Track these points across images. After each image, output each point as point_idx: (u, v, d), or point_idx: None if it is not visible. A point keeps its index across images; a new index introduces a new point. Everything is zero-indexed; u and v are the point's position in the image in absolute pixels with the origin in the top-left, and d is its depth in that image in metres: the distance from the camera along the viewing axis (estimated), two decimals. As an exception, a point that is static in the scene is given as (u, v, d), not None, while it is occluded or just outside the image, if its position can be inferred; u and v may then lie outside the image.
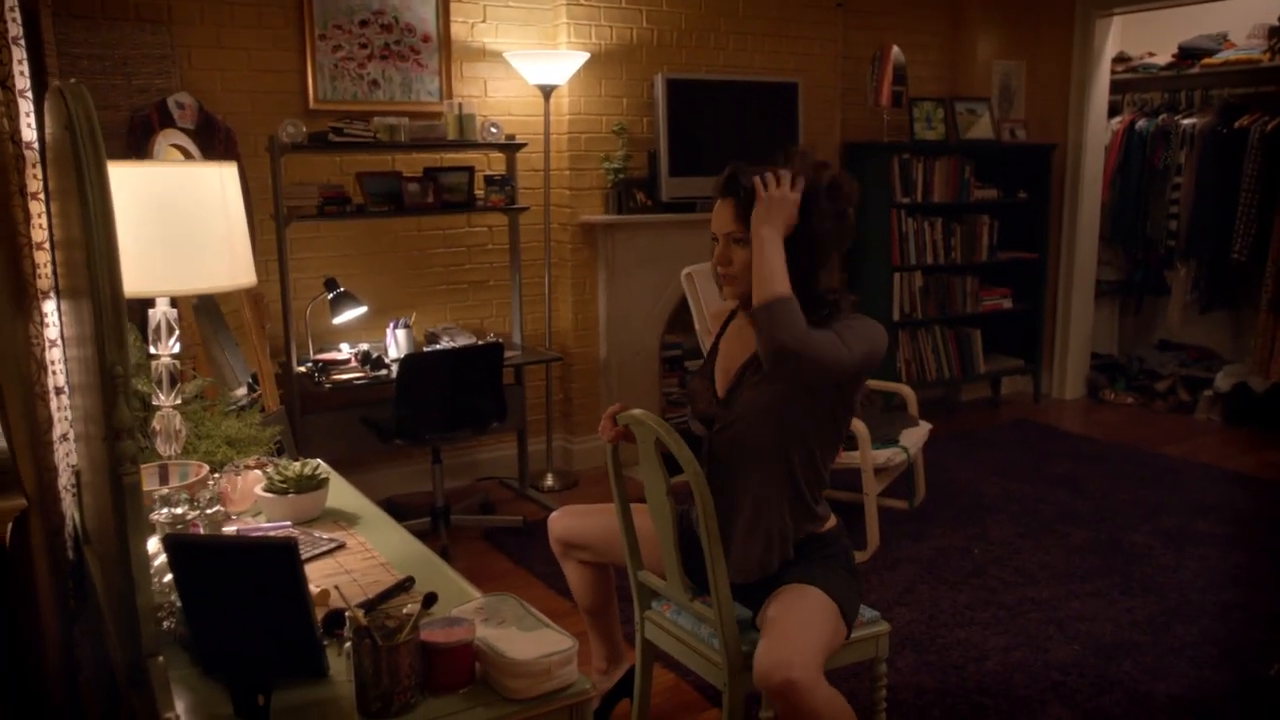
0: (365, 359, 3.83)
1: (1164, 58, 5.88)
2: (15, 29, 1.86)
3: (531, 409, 4.62)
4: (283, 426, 2.60)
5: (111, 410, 1.25)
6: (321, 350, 4.08)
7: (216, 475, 1.91)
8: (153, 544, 1.53)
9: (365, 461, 4.32)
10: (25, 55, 1.92)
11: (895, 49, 5.31)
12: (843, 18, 5.27)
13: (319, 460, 2.27)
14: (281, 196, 3.75)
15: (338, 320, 3.94)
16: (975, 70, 5.82)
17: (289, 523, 1.83)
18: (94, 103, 3.19)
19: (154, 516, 1.48)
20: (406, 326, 4.00)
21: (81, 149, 1.27)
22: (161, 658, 1.23)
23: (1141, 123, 5.85)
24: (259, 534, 1.78)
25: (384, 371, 3.79)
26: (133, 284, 1.82)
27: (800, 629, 1.85)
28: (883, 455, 3.68)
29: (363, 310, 3.95)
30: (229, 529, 1.81)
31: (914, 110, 5.47)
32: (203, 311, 3.89)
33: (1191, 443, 5.17)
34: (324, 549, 1.73)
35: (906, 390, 4.16)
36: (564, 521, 2.38)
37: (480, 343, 4.04)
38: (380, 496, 4.34)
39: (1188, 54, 5.73)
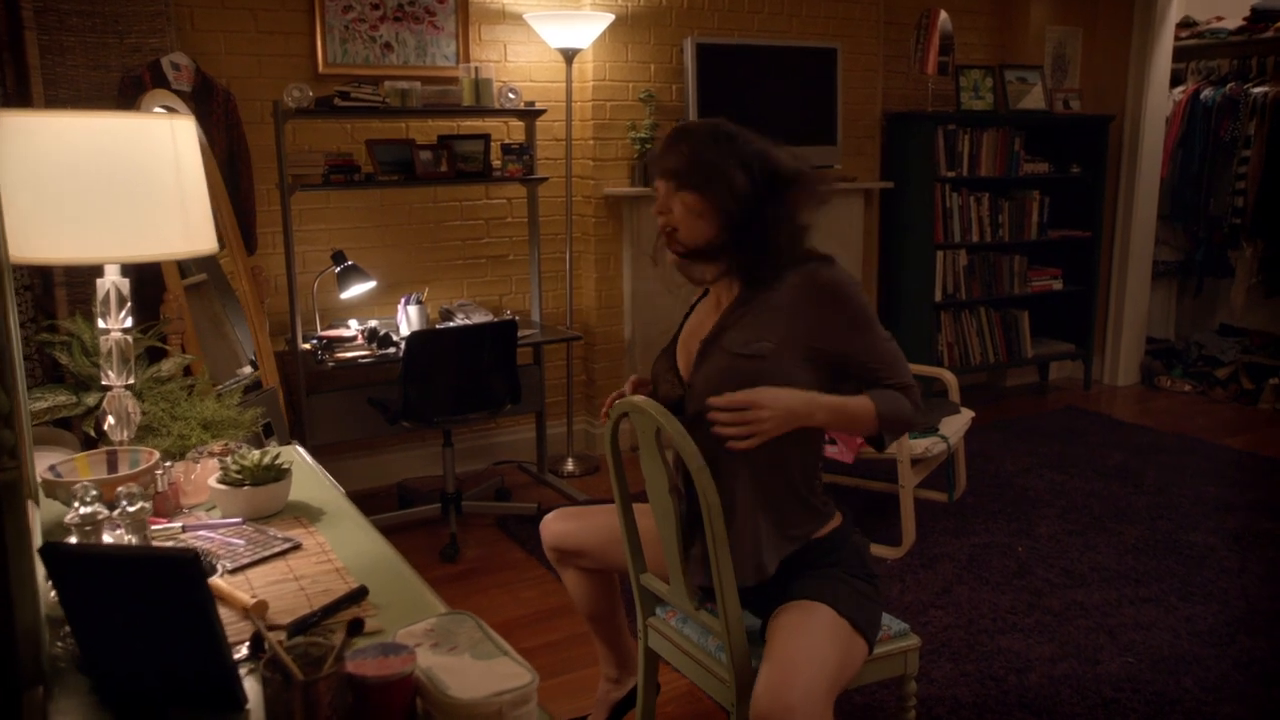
0: (372, 336, 3.64)
1: (1234, 21, 5.50)
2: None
3: (551, 390, 4.41)
4: (263, 409, 2.42)
5: (-17, 394, 1.05)
6: (330, 326, 3.90)
7: (169, 464, 1.72)
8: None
9: (376, 444, 4.15)
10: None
11: (943, 14, 5.00)
12: (886, -21, 4.97)
13: (290, 449, 2.08)
14: (286, 164, 3.56)
15: (345, 295, 3.75)
16: (1027, 36, 5.48)
17: (241, 519, 1.63)
18: (84, 62, 3.02)
19: (68, 519, 1.29)
20: (419, 302, 3.80)
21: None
22: (42, 688, 1.04)
23: (1207, 92, 5.47)
24: (208, 537, 1.59)
25: (391, 350, 3.60)
26: (67, 250, 1.63)
27: (804, 658, 1.62)
28: (920, 445, 3.42)
29: (371, 285, 3.76)
30: (174, 524, 1.62)
31: (961, 79, 5.16)
32: (211, 285, 3.74)
33: (1255, 434, 4.84)
34: (275, 550, 1.53)
35: (948, 375, 3.89)
36: (557, 526, 2.14)
37: (494, 320, 3.84)
38: (392, 480, 4.18)
39: (1261, 16, 5.34)
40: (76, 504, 1.27)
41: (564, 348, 4.40)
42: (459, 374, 3.46)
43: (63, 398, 2.34)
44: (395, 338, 3.67)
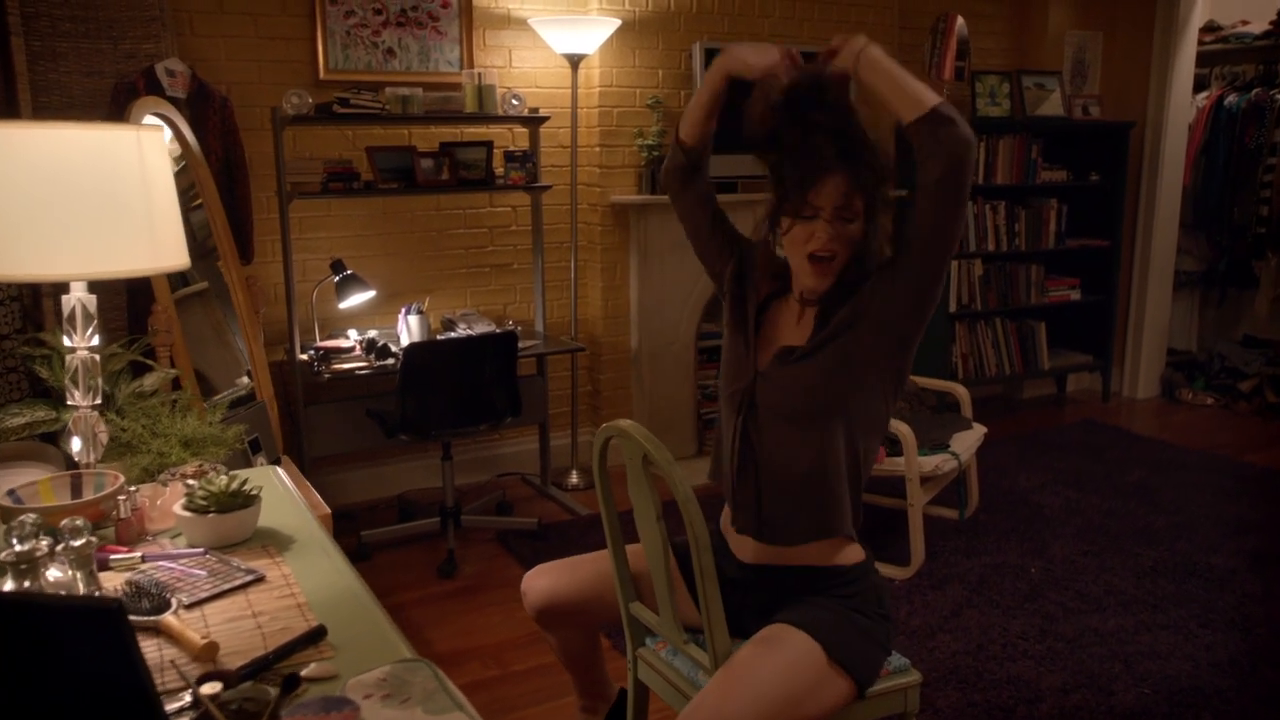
0: (370, 347, 3.58)
1: (1260, 25, 5.36)
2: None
3: (555, 401, 4.34)
4: (246, 426, 2.35)
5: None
6: (330, 336, 3.84)
7: (133, 489, 1.65)
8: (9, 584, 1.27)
9: (376, 455, 4.08)
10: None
11: (959, 20, 4.89)
12: (901, -17, 4.87)
13: (266, 471, 2.01)
14: (284, 172, 3.50)
15: (344, 305, 3.69)
16: (1045, 41, 5.37)
17: (204, 549, 1.56)
18: (77, 68, 2.96)
19: (2, 556, 1.22)
20: (420, 312, 3.73)
21: None
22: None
23: (1231, 98, 5.34)
24: (168, 568, 1.52)
25: (390, 361, 3.53)
26: (30, 266, 1.57)
27: (759, 676, 1.53)
28: (930, 462, 3.32)
29: (370, 295, 3.70)
30: (134, 554, 1.55)
31: (977, 85, 5.05)
32: (213, 293, 3.68)
33: (1279, 450, 4.71)
34: (237, 583, 1.46)
35: (960, 390, 3.79)
36: (543, 584, 1.96)
37: (497, 331, 3.76)
38: (392, 492, 4.11)
39: (1286, 22, 5.21)
40: (14, 540, 1.20)
41: (568, 358, 4.33)
42: (458, 386, 3.39)
43: (41, 413, 2.29)
44: (394, 348, 3.61)
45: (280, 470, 2.05)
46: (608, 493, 1.86)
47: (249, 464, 2.51)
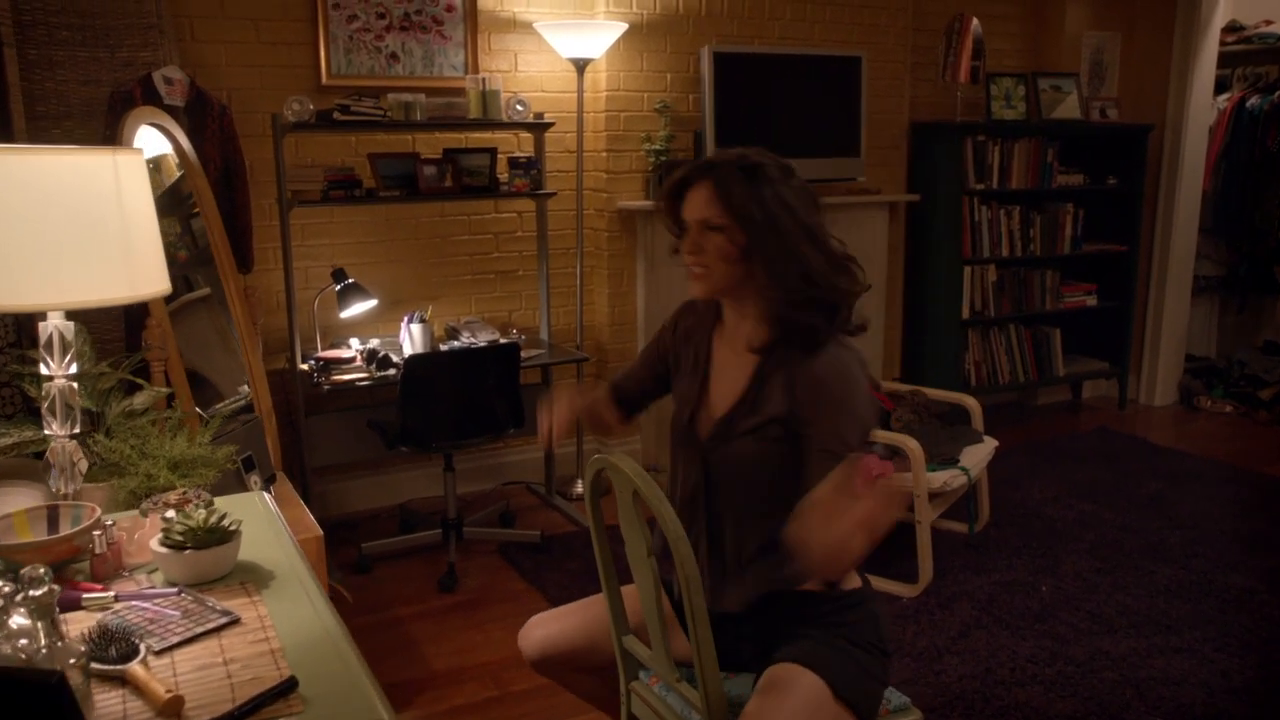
0: (371, 358, 3.53)
1: (1282, 26, 5.26)
2: None
3: (561, 409, 4.28)
4: (237, 446, 2.31)
5: None
6: (332, 345, 3.80)
7: (110, 522, 1.61)
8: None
9: (378, 464, 4.05)
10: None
11: (974, 21, 4.80)
12: (915, -17, 4.79)
13: (251, 508, 1.96)
14: (285, 179, 3.46)
15: (345, 314, 3.65)
16: (1062, 42, 5.27)
17: (177, 589, 1.52)
18: (74, 77, 2.93)
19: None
20: (423, 321, 3.69)
21: None
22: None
23: (1254, 100, 5.23)
24: (142, 608, 1.47)
25: (390, 371, 3.49)
26: (3, 297, 1.53)
27: None
28: (939, 479, 3.26)
29: (372, 304, 3.66)
30: (108, 594, 1.51)
31: (991, 87, 4.97)
32: (216, 301, 3.65)
33: (1300, 461, 4.62)
34: (211, 625, 1.41)
35: (970, 402, 3.72)
36: (539, 634, 1.93)
37: (502, 341, 3.72)
38: (395, 501, 4.08)
39: (1310, 22, 5.10)
40: (-30, 592, 1.16)
41: (574, 365, 4.27)
42: (459, 398, 3.35)
43: (29, 432, 2.25)
44: (395, 358, 3.56)
45: (268, 496, 2.00)
46: (600, 524, 1.81)
47: (242, 483, 2.47)
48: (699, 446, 1.76)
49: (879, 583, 3.29)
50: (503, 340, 3.78)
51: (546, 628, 1.94)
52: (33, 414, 2.59)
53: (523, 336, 3.95)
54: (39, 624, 1.23)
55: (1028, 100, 5.06)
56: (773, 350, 1.70)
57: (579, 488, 4.23)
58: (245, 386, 3.46)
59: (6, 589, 1.22)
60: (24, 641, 1.23)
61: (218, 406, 3.30)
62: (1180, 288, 5.40)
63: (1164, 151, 5.26)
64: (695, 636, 1.57)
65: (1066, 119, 5.10)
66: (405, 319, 3.72)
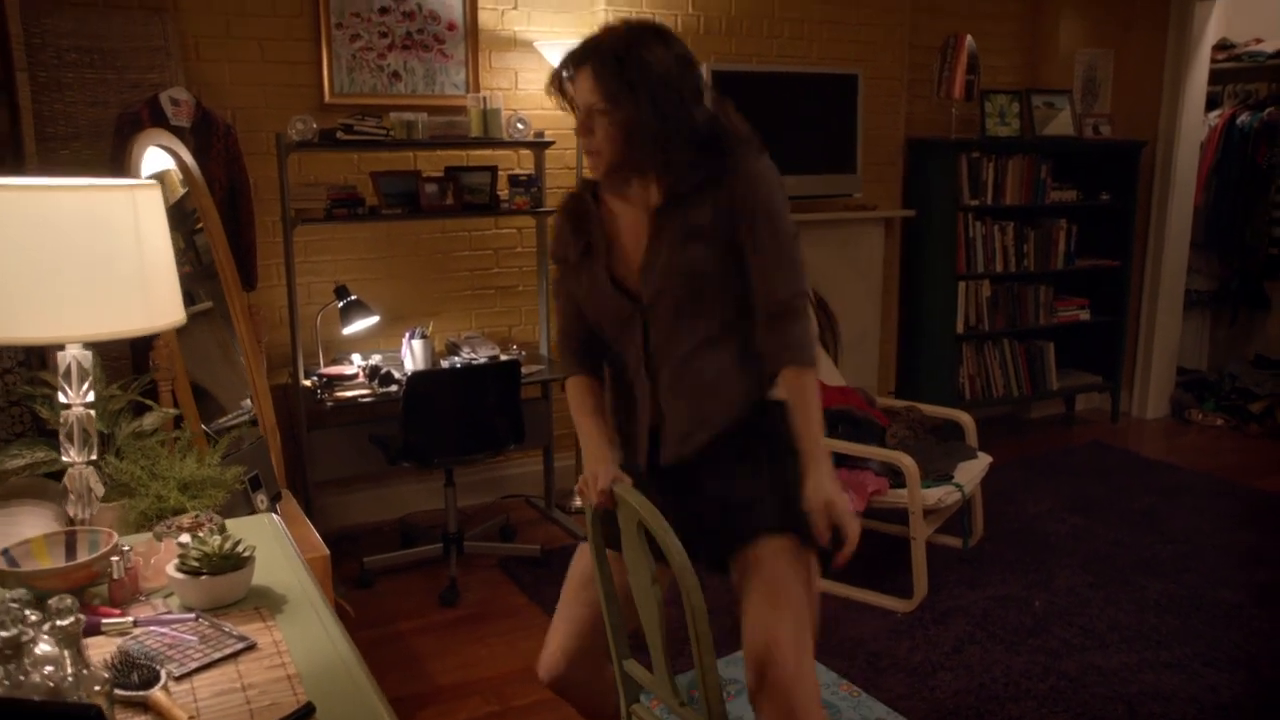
0: (373, 374, 3.58)
1: (1274, 43, 5.32)
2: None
3: (560, 423, 4.33)
4: (245, 467, 2.35)
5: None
6: (334, 360, 3.84)
7: (127, 548, 1.65)
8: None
9: (378, 478, 4.09)
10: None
11: (969, 39, 4.86)
12: (910, 2, 4.84)
13: (263, 531, 2.00)
14: (289, 198, 3.50)
15: (347, 331, 3.69)
16: (1056, 59, 5.33)
17: (194, 614, 1.56)
18: (82, 99, 2.97)
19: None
20: (424, 337, 3.73)
21: None
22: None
23: (1244, 117, 5.30)
24: (161, 634, 1.52)
25: (393, 388, 3.53)
26: (23, 329, 1.57)
27: (792, 622, 1.72)
28: (934, 495, 3.30)
29: (374, 320, 3.70)
30: (126, 619, 1.55)
31: (986, 104, 5.03)
32: (218, 315, 3.69)
33: (1290, 475, 4.68)
34: (228, 650, 1.46)
35: (965, 418, 3.77)
36: (555, 654, 1.97)
37: (503, 358, 3.77)
38: (395, 514, 4.12)
39: (1299, 41, 5.17)
40: (3, 628, 1.20)
41: (573, 380, 4.32)
42: (460, 415, 3.39)
43: (41, 453, 2.28)
44: (398, 375, 3.61)
45: (277, 518, 2.05)
46: (601, 553, 1.85)
47: (249, 502, 2.51)
48: (636, 306, 1.83)
49: (874, 598, 3.34)
50: (503, 357, 3.82)
51: (561, 642, 1.97)
52: (42, 433, 2.63)
53: (523, 352, 3.99)
54: (65, 652, 1.27)
55: (1022, 117, 5.12)
56: (680, 202, 1.79)
57: (578, 501, 4.27)
58: (248, 400, 3.50)
59: (33, 617, 1.26)
60: (50, 669, 1.27)
61: (220, 421, 3.34)
62: (1172, 302, 5.46)
63: (1156, 167, 5.32)
64: (700, 662, 1.61)
65: (1060, 135, 5.16)
66: (406, 335, 3.76)
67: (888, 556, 3.63)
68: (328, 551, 2.53)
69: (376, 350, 3.94)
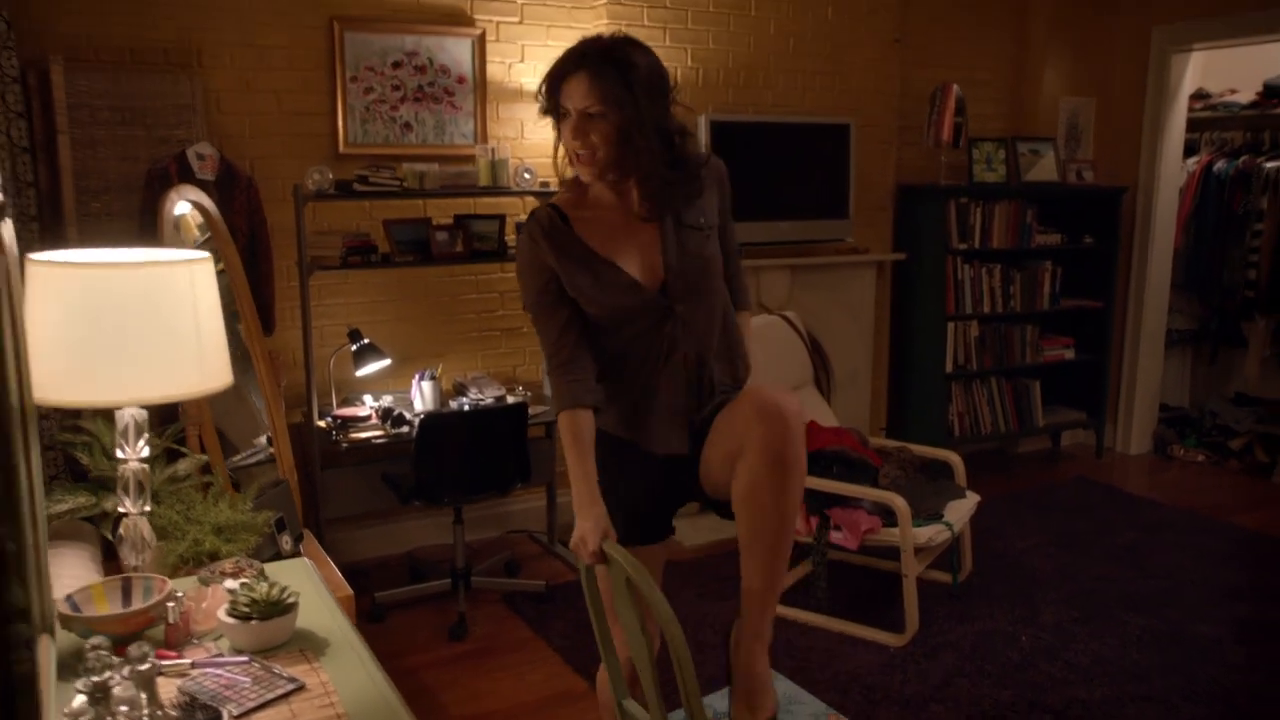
0: (386, 416, 3.71)
1: (1247, 95, 5.54)
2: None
3: (561, 460, 4.46)
4: (272, 512, 2.48)
5: (2, 593, 1.11)
6: (345, 401, 3.98)
7: (180, 594, 1.78)
8: (76, 701, 1.40)
9: (389, 514, 4.21)
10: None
11: (955, 87, 5.06)
12: (900, 53, 5.04)
13: (299, 576, 2.14)
14: (305, 246, 3.65)
15: (360, 373, 3.83)
16: (1040, 108, 5.54)
17: (247, 657, 1.69)
18: (113, 154, 3.12)
19: (79, 684, 1.35)
20: (433, 378, 3.88)
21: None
22: None
23: (1220, 164, 5.50)
24: (216, 675, 1.65)
25: (405, 429, 3.67)
26: (87, 393, 1.71)
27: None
28: (925, 534, 3.44)
29: (386, 363, 3.84)
30: (184, 660, 1.68)
31: (974, 151, 5.22)
32: (232, 358, 3.82)
33: (1269, 511, 4.83)
34: (280, 691, 1.59)
35: (954, 458, 3.92)
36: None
37: (509, 401, 3.90)
38: (402, 549, 4.24)
39: (1273, 92, 5.39)
40: (91, 672, 1.33)
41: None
42: (470, 455, 3.52)
43: (82, 499, 2.42)
44: (409, 416, 3.74)
45: (309, 562, 2.18)
46: (597, 601, 1.98)
47: (275, 545, 2.64)
48: (667, 312, 1.98)
49: (868, 633, 3.47)
50: (510, 398, 3.96)
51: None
52: (75, 478, 2.75)
53: (528, 393, 4.13)
54: (142, 694, 1.40)
55: (1007, 163, 5.31)
56: (664, 208, 1.97)
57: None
58: (261, 439, 3.63)
59: (115, 660, 1.39)
60: (125, 709, 1.40)
61: (234, 460, 3.47)
62: (1154, 341, 5.64)
63: (1137, 212, 5.52)
64: (689, 708, 1.73)
65: (1044, 181, 5.35)
66: (416, 376, 3.90)
67: (881, 592, 3.77)
68: (351, 591, 2.65)
69: (386, 391, 4.07)
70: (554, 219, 1.99)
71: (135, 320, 1.69)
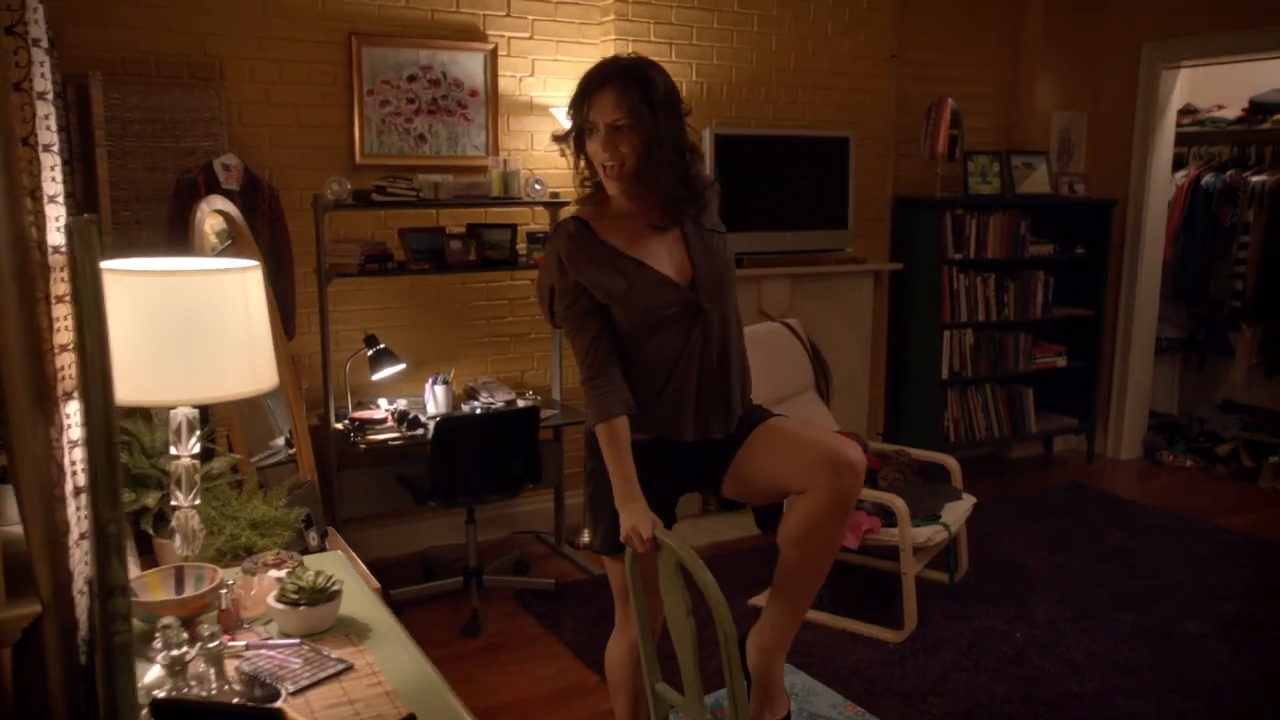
0: (402, 418, 3.83)
1: (1234, 111, 5.70)
2: (49, 136, 1.87)
3: (570, 463, 4.58)
4: (307, 508, 2.60)
5: (104, 570, 1.23)
6: (360, 404, 4.09)
7: (231, 582, 1.89)
8: (151, 674, 1.52)
9: (402, 514, 4.32)
10: (58, 161, 1.93)
11: (950, 101, 5.20)
12: (897, 69, 5.18)
13: (336, 566, 2.25)
14: (324, 254, 3.77)
15: (376, 377, 3.95)
16: (1033, 122, 5.69)
17: (298, 639, 1.80)
18: (142, 164, 3.23)
19: (159, 659, 1.46)
20: (445, 383, 3.99)
21: (85, 304, 1.26)
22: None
23: (1208, 178, 5.66)
24: (269, 656, 1.76)
25: (420, 431, 3.78)
26: (152, 394, 1.82)
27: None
28: (923, 534, 3.57)
29: (401, 367, 3.95)
30: (238, 643, 1.79)
31: (969, 164, 5.36)
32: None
33: (1254, 515, 4.97)
34: (331, 671, 1.70)
35: (951, 462, 4.05)
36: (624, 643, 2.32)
37: (521, 405, 4.02)
38: (414, 549, 4.35)
39: (1259, 109, 5.54)
40: (169, 648, 1.45)
41: (582, 425, 4.57)
42: (484, 457, 3.64)
43: (126, 497, 2.52)
44: (423, 418, 3.86)
45: (342, 555, 2.29)
46: (637, 586, 2.10)
47: (304, 540, 2.75)
48: (697, 310, 2.11)
49: (868, 629, 3.59)
50: (520, 401, 4.08)
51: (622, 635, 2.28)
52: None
53: (538, 397, 4.25)
54: (210, 669, 1.52)
55: (1002, 176, 5.45)
56: (682, 217, 2.11)
57: (586, 537, 4.51)
58: (277, 440, 3.74)
59: (187, 635, 1.50)
60: (196, 684, 1.52)
61: (253, 460, 3.58)
62: (1144, 349, 5.79)
63: (1127, 224, 5.67)
64: (731, 684, 1.86)
65: (1037, 193, 5.50)
66: (430, 381, 4.02)
67: (880, 591, 3.90)
68: (379, 585, 2.76)
69: (400, 395, 4.19)
70: (580, 228, 2.12)
71: (194, 324, 1.80)
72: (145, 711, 1.36)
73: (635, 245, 2.11)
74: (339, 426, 3.85)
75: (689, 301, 2.11)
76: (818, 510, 1.97)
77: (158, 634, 1.50)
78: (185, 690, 1.45)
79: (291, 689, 1.65)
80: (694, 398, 2.15)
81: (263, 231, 3.54)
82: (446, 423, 3.60)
